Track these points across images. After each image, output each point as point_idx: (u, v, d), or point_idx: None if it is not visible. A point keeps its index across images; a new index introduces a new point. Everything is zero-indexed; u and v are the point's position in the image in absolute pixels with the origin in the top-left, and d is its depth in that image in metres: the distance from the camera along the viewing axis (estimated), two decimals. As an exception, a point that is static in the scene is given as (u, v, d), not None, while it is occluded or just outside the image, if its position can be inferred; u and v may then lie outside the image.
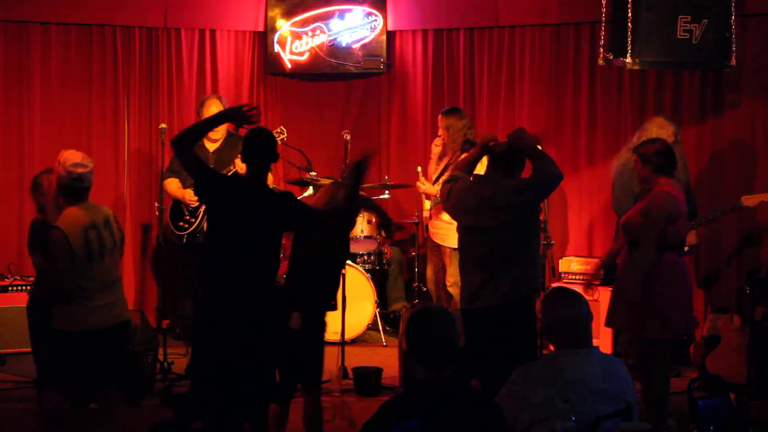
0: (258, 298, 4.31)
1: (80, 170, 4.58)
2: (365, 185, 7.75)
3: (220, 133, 6.75)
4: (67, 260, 4.51)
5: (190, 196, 6.64)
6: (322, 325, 4.84)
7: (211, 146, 6.86)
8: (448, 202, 4.90)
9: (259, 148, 4.40)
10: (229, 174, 6.42)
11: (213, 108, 6.65)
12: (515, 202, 4.64)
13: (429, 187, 6.91)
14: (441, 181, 6.77)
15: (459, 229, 4.92)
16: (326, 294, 4.88)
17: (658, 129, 6.15)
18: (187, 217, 6.82)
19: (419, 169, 7.10)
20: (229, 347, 4.26)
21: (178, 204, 6.90)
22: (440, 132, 6.94)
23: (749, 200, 6.30)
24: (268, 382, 4.44)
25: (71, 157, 4.60)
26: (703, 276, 7.12)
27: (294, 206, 4.49)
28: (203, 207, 6.35)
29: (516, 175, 4.81)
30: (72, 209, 4.60)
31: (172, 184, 6.82)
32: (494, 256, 4.68)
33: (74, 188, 4.59)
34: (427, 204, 7.14)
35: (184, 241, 6.87)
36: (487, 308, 4.67)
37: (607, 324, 5.30)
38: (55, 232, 4.53)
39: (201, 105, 6.95)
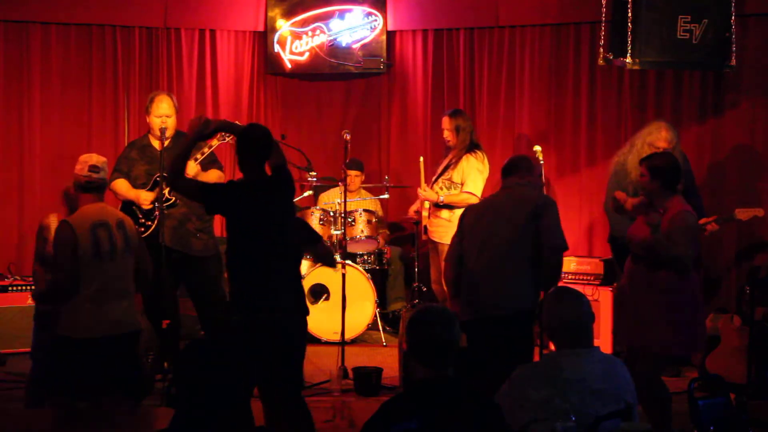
0: (297, 297, 4.39)
1: (94, 161, 4.71)
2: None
3: (170, 131, 6.27)
4: (68, 254, 4.54)
5: (146, 196, 6.17)
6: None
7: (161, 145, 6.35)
8: None
9: (257, 145, 4.41)
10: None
11: (163, 104, 6.27)
12: None
13: (430, 193, 6.74)
14: (439, 181, 6.77)
15: None
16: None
17: (666, 133, 6.00)
18: (142, 220, 6.25)
19: (421, 159, 6.99)
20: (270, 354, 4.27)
21: (129, 206, 6.28)
22: (447, 134, 6.82)
23: (742, 214, 6.25)
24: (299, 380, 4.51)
25: (88, 157, 4.77)
26: (702, 277, 7.10)
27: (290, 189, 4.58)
28: (158, 210, 5.98)
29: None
30: (84, 207, 4.69)
31: (122, 185, 6.28)
32: None
33: (88, 184, 4.68)
34: (426, 204, 7.01)
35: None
36: None
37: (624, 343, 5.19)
38: (63, 226, 4.60)
39: (150, 101, 6.41)
